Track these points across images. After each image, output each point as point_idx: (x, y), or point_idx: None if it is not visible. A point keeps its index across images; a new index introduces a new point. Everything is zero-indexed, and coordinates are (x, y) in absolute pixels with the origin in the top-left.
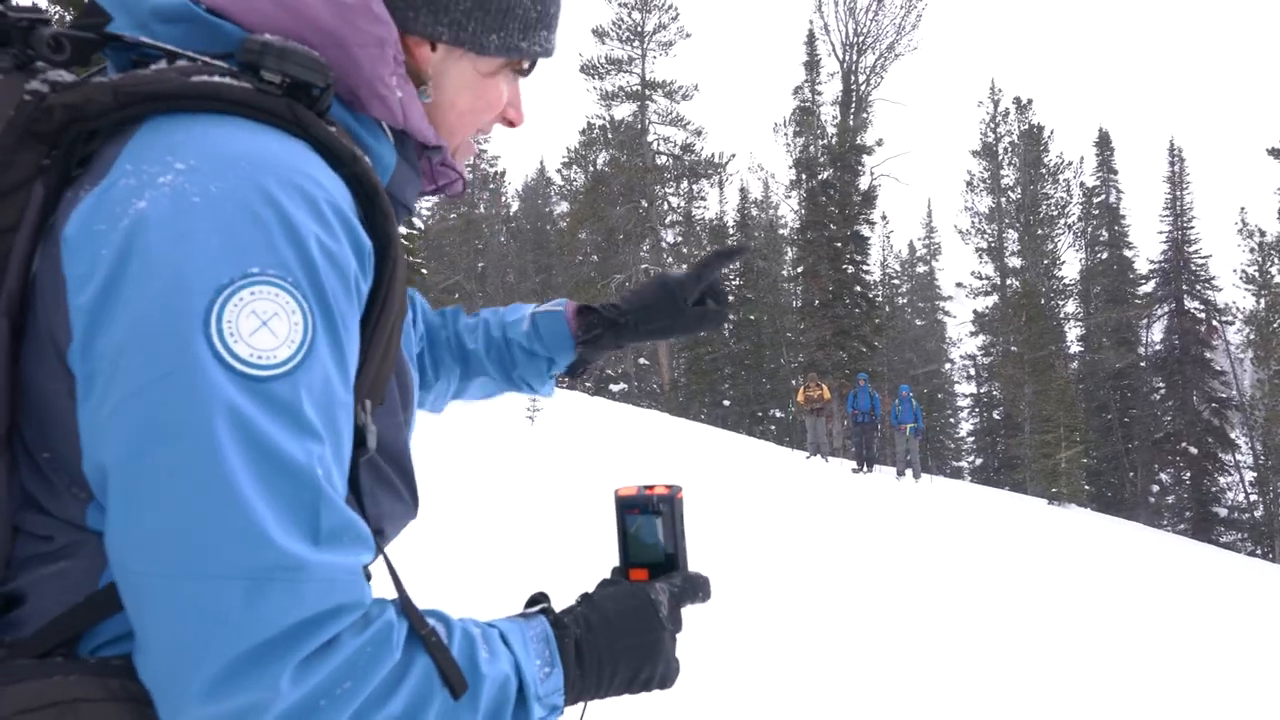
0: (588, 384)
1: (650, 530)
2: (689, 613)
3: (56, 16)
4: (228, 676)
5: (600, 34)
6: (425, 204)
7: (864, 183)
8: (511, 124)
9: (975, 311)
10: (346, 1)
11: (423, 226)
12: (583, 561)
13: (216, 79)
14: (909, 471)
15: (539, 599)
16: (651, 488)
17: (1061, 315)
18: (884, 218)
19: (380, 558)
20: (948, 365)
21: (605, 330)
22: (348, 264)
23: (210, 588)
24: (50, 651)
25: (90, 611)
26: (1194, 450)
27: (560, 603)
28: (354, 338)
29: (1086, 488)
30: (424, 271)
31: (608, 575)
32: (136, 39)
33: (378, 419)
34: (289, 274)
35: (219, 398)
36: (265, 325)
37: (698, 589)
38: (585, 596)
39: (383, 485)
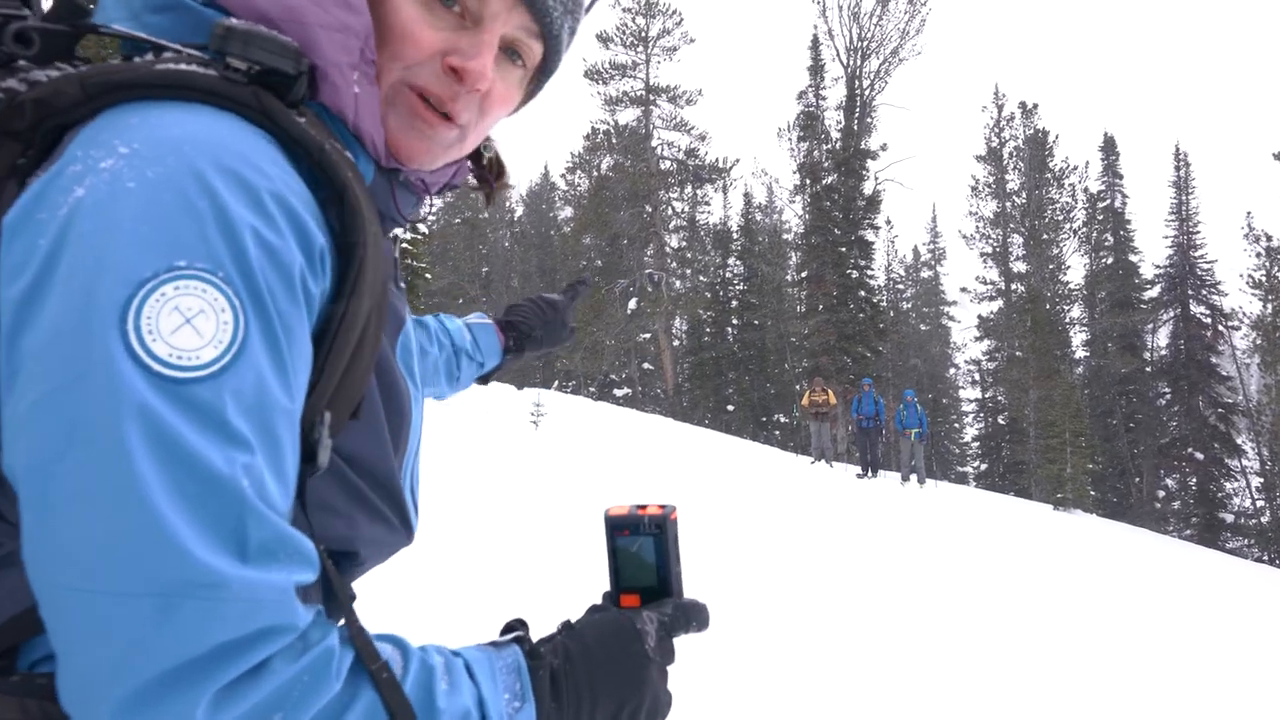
0: (591, 389)
1: (642, 553)
2: (683, 641)
3: (29, 14)
4: (137, 703)
5: (604, 39)
6: (430, 209)
7: (868, 187)
8: (455, 73)
9: (980, 316)
10: None
11: (426, 230)
12: (586, 570)
13: (182, 67)
14: (914, 477)
15: (515, 626)
16: (644, 507)
17: (1067, 320)
18: (888, 222)
19: (330, 577)
20: (952, 370)
21: (524, 342)
22: (291, 261)
23: (120, 604)
24: None
25: (28, 625)
26: (1200, 456)
27: (557, 618)
28: (299, 342)
29: (1092, 493)
30: (428, 276)
31: (599, 596)
32: (111, 29)
33: (354, 435)
34: (220, 269)
35: (131, 400)
36: (189, 323)
37: (691, 618)
38: (566, 624)
39: (360, 506)
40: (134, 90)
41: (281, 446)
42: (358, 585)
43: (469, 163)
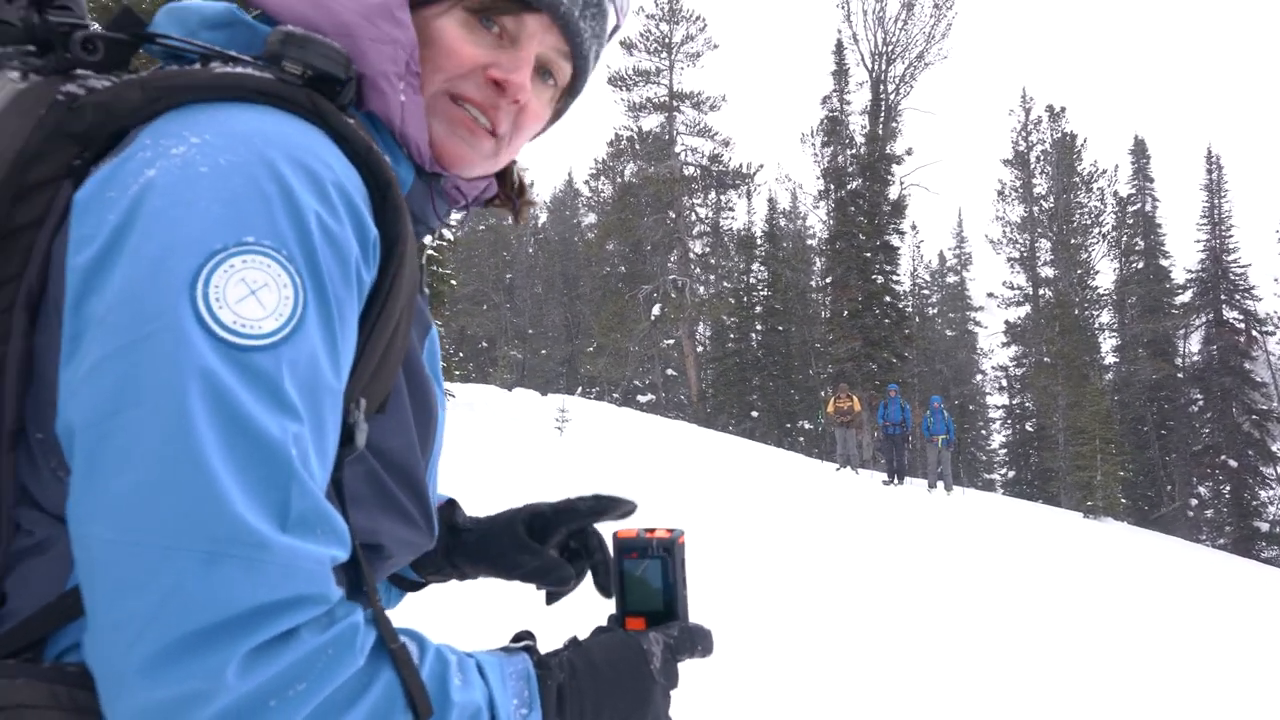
0: (615, 395)
1: (649, 576)
2: (686, 666)
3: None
4: (170, 655)
5: (628, 45)
6: (457, 221)
7: (893, 192)
8: (497, 85)
9: (1007, 322)
10: (369, 1)
11: (452, 237)
12: (580, 603)
13: (240, 70)
14: (940, 484)
15: (523, 636)
16: (652, 530)
17: (1096, 326)
18: (914, 227)
19: (359, 560)
20: (979, 376)
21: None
22: (349, 248)
23: (163, 557)
24: (17, 653)
25: (58, 613)
26: (1234, 463)
27: (576, 624)
28: (349, 326)
29: (1123, 501)
30: (453, 283)
31: (603, 621)
32: (168, 38)
33: (381, 427)
34: (284, 247)
35: (195, 361)
36: (253, 294)
37: (696, 642)
38: (573, 641)
39: (384, 501)
40: (194, 93)
41: (325, 424)
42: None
43: (496, 183)
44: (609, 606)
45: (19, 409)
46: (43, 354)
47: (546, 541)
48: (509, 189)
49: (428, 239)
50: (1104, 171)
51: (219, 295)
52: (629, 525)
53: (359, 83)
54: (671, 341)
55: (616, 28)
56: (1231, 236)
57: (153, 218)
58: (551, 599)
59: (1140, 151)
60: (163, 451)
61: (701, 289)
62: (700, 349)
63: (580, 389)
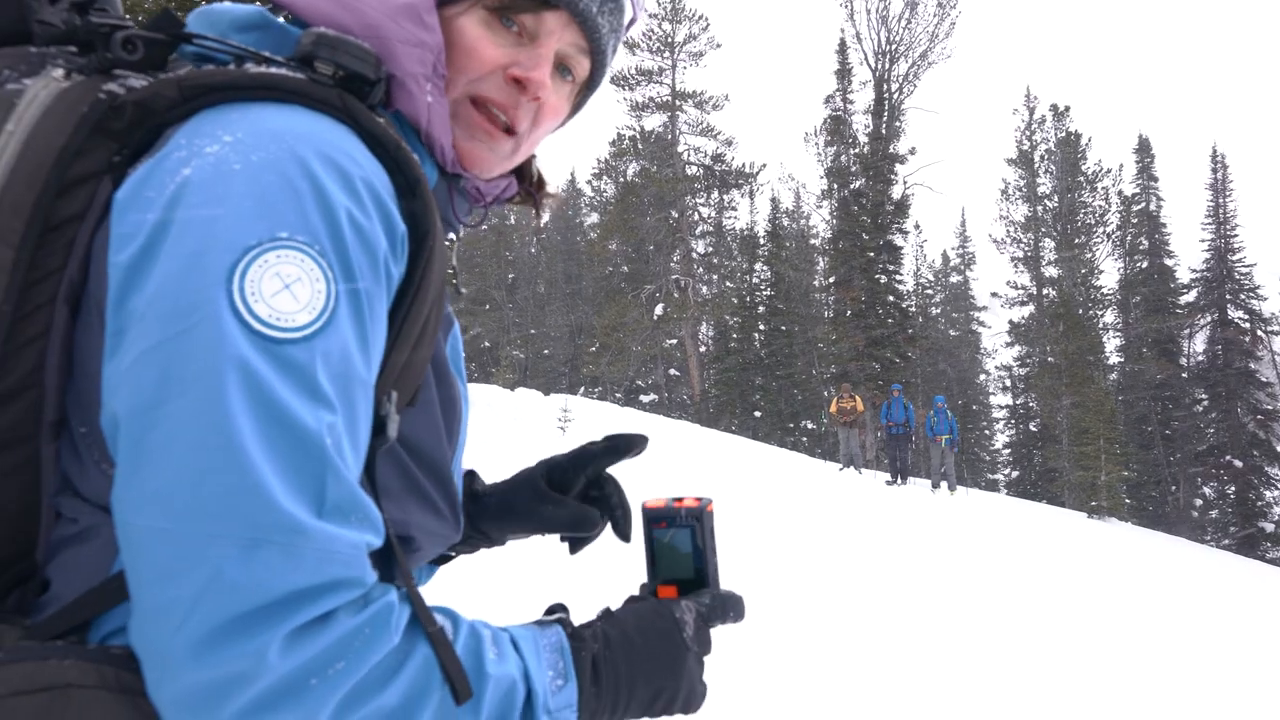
0: (617, 395)
1: (679, 545)
2: (719, 633)
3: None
4: (215, 639)
5: (630, 45)
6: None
7: (897, 192)
8: (517, 83)
9: (1011, 322)
10: (397, 3)
11: (454, 237)
12: (612, 575)
13: (273, 70)
14: (944, 484)
15: (556, 609)
16: (680, 500)
17: (1100, 325)
18: (917, 227)
19: (392, 546)
20: (983, 376)
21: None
22: (378, 242)
23: (205, 544)
24: (61, 636)
25: (102, 598)
26: (1238, 464)
27: (584, 617)
28: (379, 319)
29: (1127, 501)
30: (455, 282)
31: (635, 591)
32: (204, 37)
33: (410, 420)
34: (317, 242)
35: (232, 353)
36: (288, 288)
37: (729, 609)
38: (606, 612)
39: (413, 493)
40: (228, 92)
41: (357, 414)
42: None
43: (515, 180)
44: (637, 578)
45: (60, 401)
46: (84, 349)
47: (568, 492)
48: (528, 184)
49: (451, 236)
50: (1108, 171)
51: (254, 289)
52: (657, 496)
53: (388, 83)
54: (674, 341)
55: (633, 20)
56: (1236, 236)
57: (188, 215)
58: (575, 547)
59: (1144, 151)
60: (203, 442)
61: (704, 289)
62: (703, 349)
63: (583, 389)
